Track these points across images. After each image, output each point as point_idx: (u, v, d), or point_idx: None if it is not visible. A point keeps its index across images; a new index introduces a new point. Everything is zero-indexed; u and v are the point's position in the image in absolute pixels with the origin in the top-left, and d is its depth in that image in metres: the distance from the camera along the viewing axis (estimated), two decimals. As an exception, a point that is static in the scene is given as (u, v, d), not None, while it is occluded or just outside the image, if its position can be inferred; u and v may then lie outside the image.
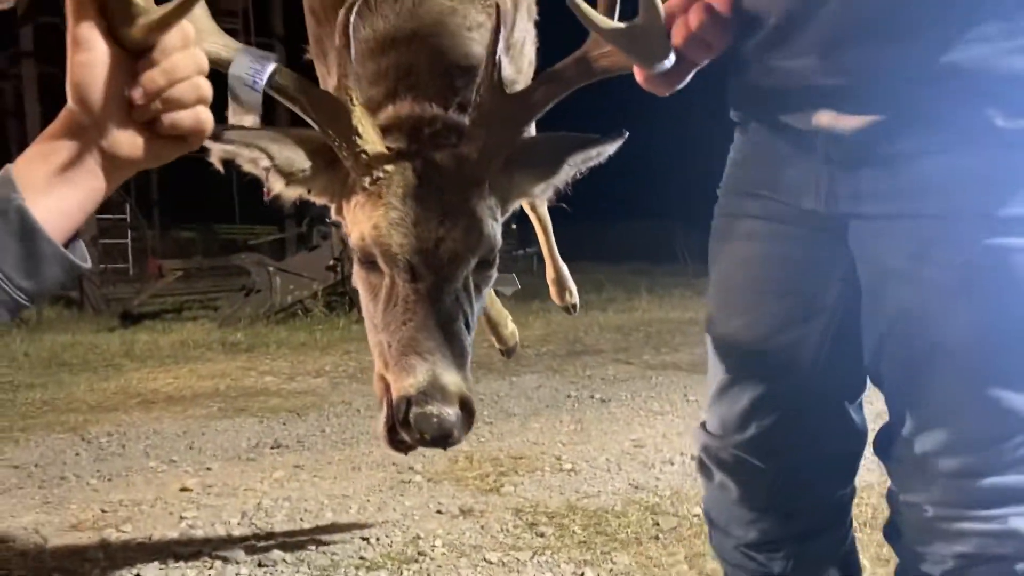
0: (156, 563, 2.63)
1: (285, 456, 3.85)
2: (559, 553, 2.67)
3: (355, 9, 1.22)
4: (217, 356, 6.66)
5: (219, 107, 1.11)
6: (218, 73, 1.13)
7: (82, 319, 9.06)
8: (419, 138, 1.34)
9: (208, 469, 3.64)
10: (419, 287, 1.27)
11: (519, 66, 1.66)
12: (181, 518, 3.02)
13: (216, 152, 1.24)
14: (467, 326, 1.31)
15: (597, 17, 1.16)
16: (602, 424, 4.36)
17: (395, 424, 1.24)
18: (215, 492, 3.31)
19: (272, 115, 1.30)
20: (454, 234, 1.28)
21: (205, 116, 0.92)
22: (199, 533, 2.90)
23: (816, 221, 1.24)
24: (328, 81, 1.61)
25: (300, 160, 1.32)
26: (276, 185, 1.33)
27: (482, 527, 2.91)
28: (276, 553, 2.68)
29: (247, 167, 1.29)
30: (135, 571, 2.57)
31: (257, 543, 2.80)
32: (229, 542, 2.84)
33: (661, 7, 1.17)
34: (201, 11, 1.18)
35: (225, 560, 2.64)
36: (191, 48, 0.91)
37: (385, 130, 1.34)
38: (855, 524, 1.46)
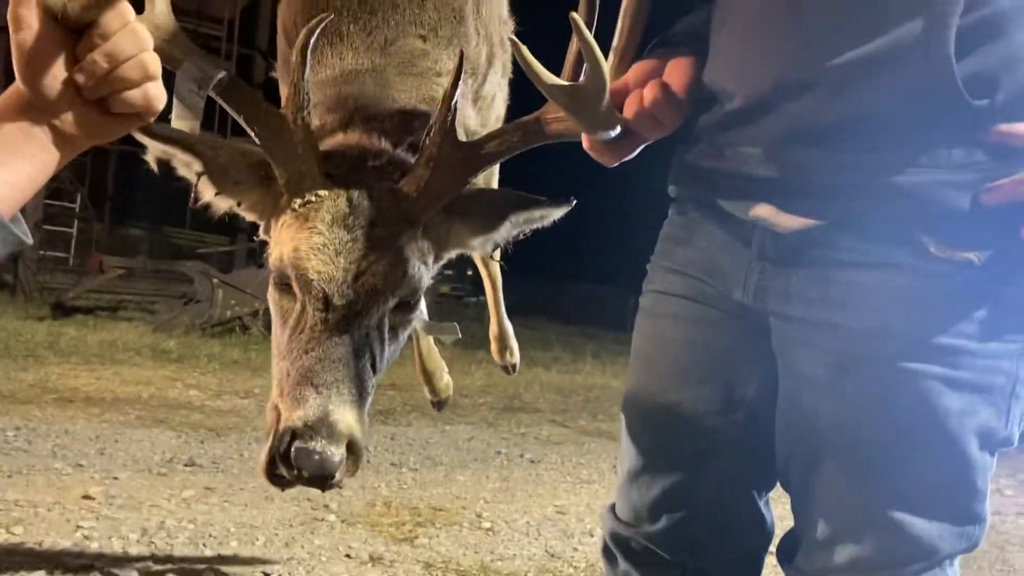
0: (42, 572, 2.49)
1: (198, 475, 3.70)
2: (465, 615, 2.59)
3: (317, 32, 1.19)
4: (145, 362, 6.46)
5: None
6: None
7: (12, 304, 8.75)
8: (361, 169, 1.31)
9: (115, 479, 3.48)
10: (329, 317, 1.22)
11: (486, 119, 1.64)
12: (78, 527, 2.87)
13: (153, 150, 1.21)
14: (373, 367, 1.25)
15: (542, 71, 1.15)
16: (528, 485, 4.29)
17: (275, 456, 1.17)
18: (118, 504, 3.16)
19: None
20: (375, 268, 1.24)
21: (155, 92, 0.90)
22: (94, 545, 2.75)
23: (743, 313, 1.22)
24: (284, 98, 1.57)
25: (235, 171, 1.29)
26: (206, 193, 1.29)
27: (390, 577, 2.81)
28: (170, 578, 2.55)
29: (181, 170, 1.26)
30: (17, 578, 2.42)
31: (152, 565, 2.67)
32: (124, 560, 2.70)
33: (607, 70, 1.15)
34: (163, 7, 1.15)
35: (115, 579, 2.50)
36: (131, 25, 0.88)
37: (328, 156, 1.31)
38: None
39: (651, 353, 1.34)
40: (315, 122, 1.37)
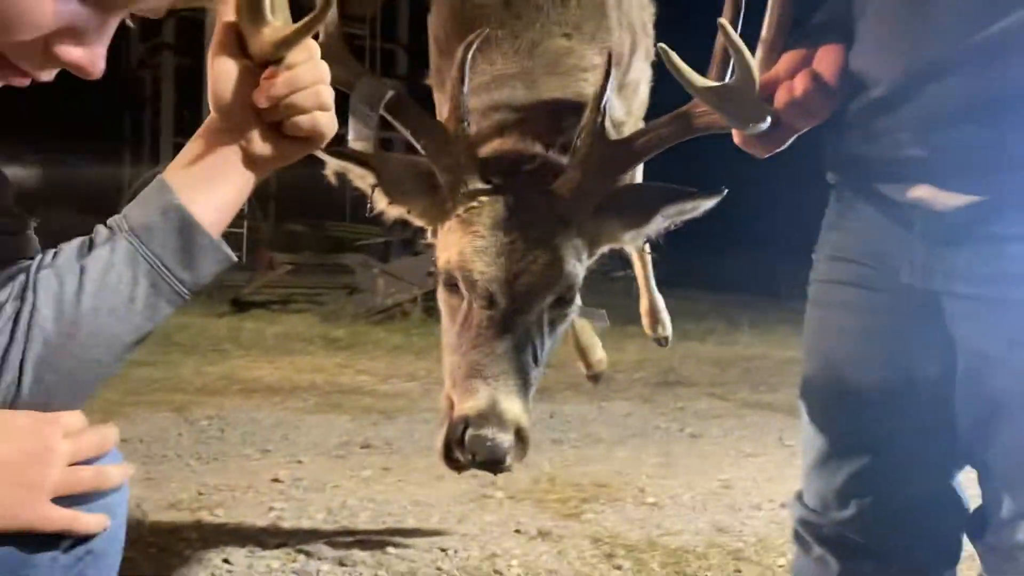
0: (244, 550, 2.72)
1: (373, 457, 3.93)
2: (635, 589, 2.64)
3: (475, 46, 1.27)
4: (317, 351, 6.86)
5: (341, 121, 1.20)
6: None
7: (195, 302, 9.38)
8: (516, 173, 1.39)
9: (299, 462, 3.75)
10: (493, 314, 1.31)
11: (630, 107, 1.68)
12: (270, 508, 3.12)
13: (331, 166, 1.35)
14: (535, 359, 1.34)
15: (691, 75, 1.19)
16: (690, 460, 4.27)
17: (451, 442, 1.28)
18: (304, 486, 3.41)
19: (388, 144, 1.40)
20: (534, 268, 1.31)
21: (323, 120, 1.00)
22: (286, 524, 2.99)
23: (913, 295, 1.21)
24: (443, 109, 1.66)
25: (404, 182, 1.41)
26: (380, 202, 1.42)
27: (559, 552, 2.89)
28: (357, 553, 2.74)
29: (357, 182, 1.39)
30: (224, 555, 2.66)
31: (340, 540, 2.87)
32: (314, 536, 2.92)
33: (756, 70, 1.17)
34: (334, 29, 1.26)
35: (308, 555, 2.71)
36: (315, 60, 0.99)
37: (486, 163, 1.39)
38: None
39: (825, 343, 1.35)
40: (472, 128, 1.45)
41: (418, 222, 1.48)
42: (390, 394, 5.43)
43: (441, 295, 1.43)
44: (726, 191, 1.34)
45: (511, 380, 1.28)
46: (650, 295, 2.69)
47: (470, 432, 1.25)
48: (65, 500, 0.89)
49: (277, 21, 0.99)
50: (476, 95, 1.51)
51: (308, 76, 0.97)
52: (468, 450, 1.26)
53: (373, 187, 1.37)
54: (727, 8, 1.27)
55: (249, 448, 3.94)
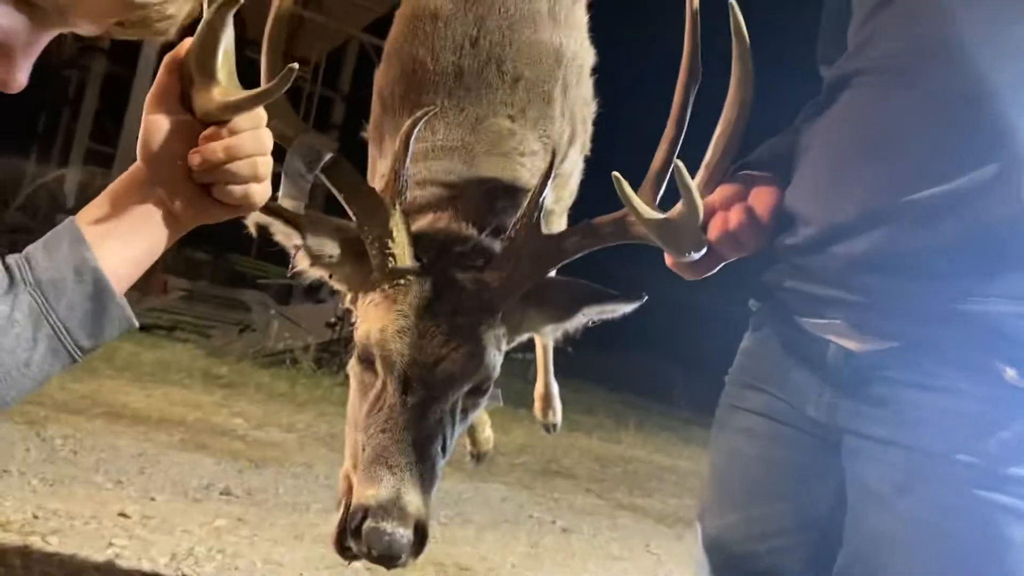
0: (70, 586, 2.52)
1: (231, 505, 3.73)
2: None
3: (420, 125, 1.26)
4: (195, 384, 6.56)
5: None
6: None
7: (76, 313, 9.00)
8: (447, 254, 1.36)
9: (152, 499, 3.53)
10: (407, 400, 1.26)
11: (559, 195, 1.69)
12: (111, 544, 2.91)
13: (254, 218, 1.27)
14: (443, 449, 1.29)
15: (641, 206, 1.20)
16: (558, 555, 4.22)
17: (346, 530, 1.21)
18: (152, 526, 3.20)
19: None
20: (455, 356, 1.28)
21: (257, 191, 0.96)
22: (123, 564, 2.78)
23: (815, 429, 1.23)
24: (377, 164, 1.63)
25: (330, 247, 1.36)
26: (302, 263, 1.36)
27: (409, 634, 2.77)
28: (194, 607, 2.56)
29: (279, 238, 1.33)
30: (46, 589, 2.45)
31: (178, 591, 2.69)
32: (150, 582, 2.73)
33: (701, 209, 1.21)
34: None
35: (139, 601, 2.52)
36: (260, 130, 0.95)
37: (417, 238, 1.36)
38: None
39: (725, 468, 1.37)
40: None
41: (338, 287, 1.43)
42: (263, 442, 5.21)
43: (354, 368, 1.38)
44: (646, 298, 1.35)
45: (416, 471, 1.22)
46: (546, 380, 2.68)
47: (368, 524, 1.18)
48: None
49: (223, 78, 0.96)
50: (414, 163, 1.49)
51: (249, 145, 0.93)
52: (364, 542, 1.18)
53: (297, 248, 1.32)
54: (669, 127, 1.30)
55: (101, 476, 3.69)
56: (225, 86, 0.94)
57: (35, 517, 2.98)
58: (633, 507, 5.95)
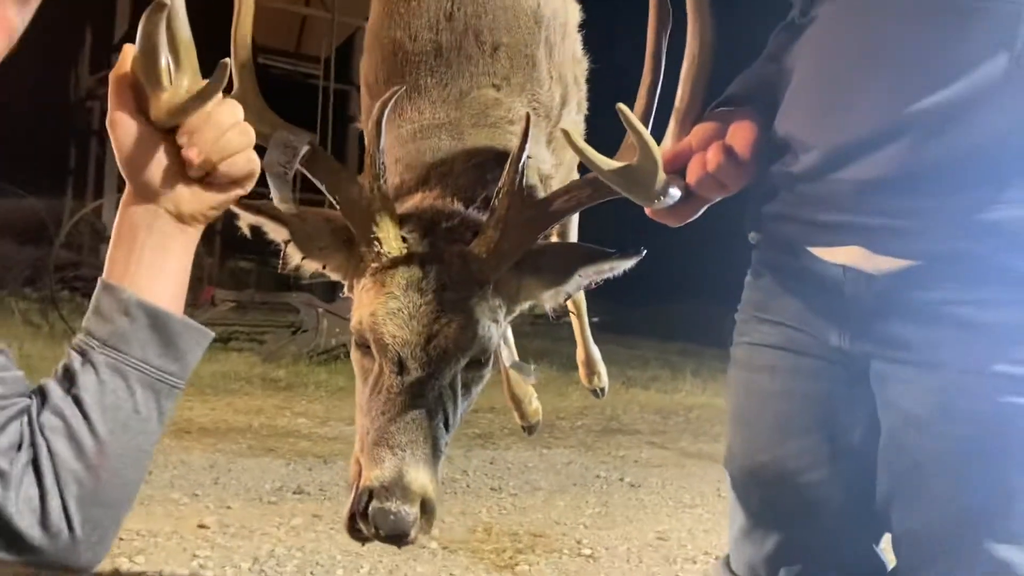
0: (162, 600, 2.63)
1: (306, 503, 3.83)
2: (566, 644, 2.59)
3: (389, 106, 1.27)
4: (255, 391, 6.71)
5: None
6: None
7: (133, 338, 9.22)
8: (434, 231, 1.36)
9: (228, 508, 3.64)
10: (404, 380, 1.28)
11: (561, 158, 1.68)
12: (194, 556, 3.02)
13: (245, 219, 1.31)
14: (446, 424, 1.31)
15: (595, 156, 1.19)
16: (628, 510, 4.25)
17: (355, 513, 1.24)
18: (231, 532, 3.30)
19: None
20: (447, 331, 1.29)
21: (256, 158, 1.01)
22: (209, 573, 2.89)
23: (840, 358, 1.21)
24: None
25: (319, 238, 1.38)
26: (294, 257, 1.39)
27: (491, 606, 2.84)
28: (281, 606, 2.65)
29: (273, 236, 1.36)
30: (140, 606, 2.56)
31: (264, 592, 2.78)
32: (237, 587, 2.83)
33: (657, 152, 1.18)
34: (248, 84, 1.25)
35: (229, 606, 2.62)
36: (223, 106, 0.99)
37: (404, 219, 1.37)
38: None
39: (750, 408, 1.34)
40: (395, 180, 1.44)
41: (334, 277, 1.45)
42: (328, 437, 5.32)
43: (354, 355, 1.40)
44: (644, 252, 1.34)
45: (419, 449, 1.24)
46: (586, 346, 2.68)
47: (374, 504, 1.21)
48: None
49: (184, 77, 0.98)
50: (403, 145, 1.50)
51: (228, 118, 0.97)
52: (371, 523, 1.22)
53: (287, 242, 1.35)
54: (646, 70, 1.29)
55: (177, 492, 3.81)
56: (174, 91, 0.95)
57: (120, 539, 3.10)
58: (699, 454, 5.96)
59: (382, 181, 1.30)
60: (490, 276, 1.33)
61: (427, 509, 1.24)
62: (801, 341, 1.25)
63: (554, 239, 1.47)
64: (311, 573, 2.98)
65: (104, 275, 0.94)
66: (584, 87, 1.79)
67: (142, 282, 0.92)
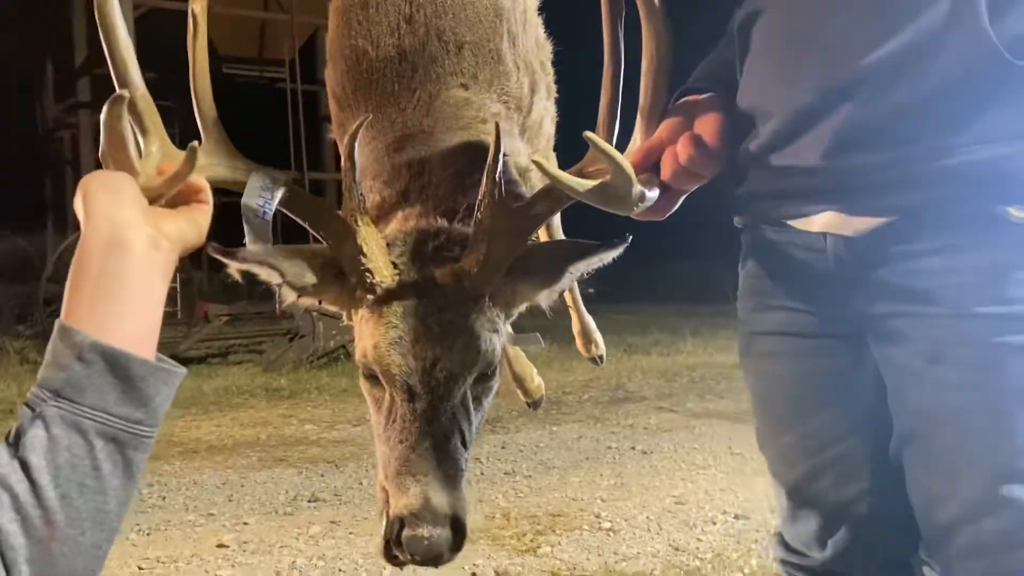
0: (188, 626, 2.62)
1: (322, 510, 3.83)
2: (595, 622, 2.60)
3: (360, 135, 1.27)
4: (259, 403, 6.70)
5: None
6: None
7: (131, 363, 9.18)
8: (423, 253, 1.36)
9: (245, 524, 3.64)
10: (416, 407, 1.28)
11: (536, 146, 1.66)
12: (216, 576, 3.02)
13: (234, 267, 1.30)
14: (463, 442, 1.32)
15: (570, 180, 1.19)
16: (643, 479, 4.27)
17: (389, 541, 1.26)
18: (251, 549, 3.30)
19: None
20: (451, 353, 1.29)
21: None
22: (233, 593, 2.89)
23: (839, 329, 1.21)
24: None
25: (310, 275, 1.36)
26: (288, 297, 1.38)
27: (517, 591, 2.85)
28: (308, 617, 2.65)
29: (264, 278, 1.34)
30: (167, 635, 2.56)
31: (290, 605, 2.78)
32: (262, 603, 2.83)
33: (631, 171, 1.18)
34: (216, 134, 1.25)
35: (257, 624, 2.62)
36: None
37: (391, 243, 1.37)
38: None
39: (765, 394, 1.37)
40: (376, 198, 1.43)
41: (331, 309, 1.45)
42: (337, 441, 5.32)
43: (363, 385, 1.41)
44: (630, 239, 1.34)
45: (440, 472, 1.26)
46: (580, 315, 2.68)
47: (406, 532, 1.23)
48: None
49: (152, 144, 1.03)
50: (379, 161, 1.48)
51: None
52: (407, 550, 1.24)
53: (279, 285, 1.34)
54: (607, 65, 1.28)
55: (192, 514, 3.81)
56: (145, 173, 0.99)
57: (140, 569, 3.10)
58: (707, 413, 5.98)
59: (364, 211, 1.30)
60: (484, 289, 1.33)
61: (457, 528, 1.26)
62: (799, 321, 1.26)
63: (542, 236, 1.46)
64: (335, 580, 2.99)
65: (63, 316, 0.86)
66: (551, 71, 1.77)
67: (99, 322, 0.84)
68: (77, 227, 0.90)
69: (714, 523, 3.52)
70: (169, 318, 12.44)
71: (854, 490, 1.26)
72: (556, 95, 1.77)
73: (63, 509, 0.79)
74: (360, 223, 1.30)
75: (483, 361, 1.33)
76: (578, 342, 2.77)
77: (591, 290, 2.77)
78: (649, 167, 1.25)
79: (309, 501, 3.98)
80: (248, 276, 1.31)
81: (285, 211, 1.27)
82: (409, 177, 1.45)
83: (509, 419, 5.74)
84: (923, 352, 1.11)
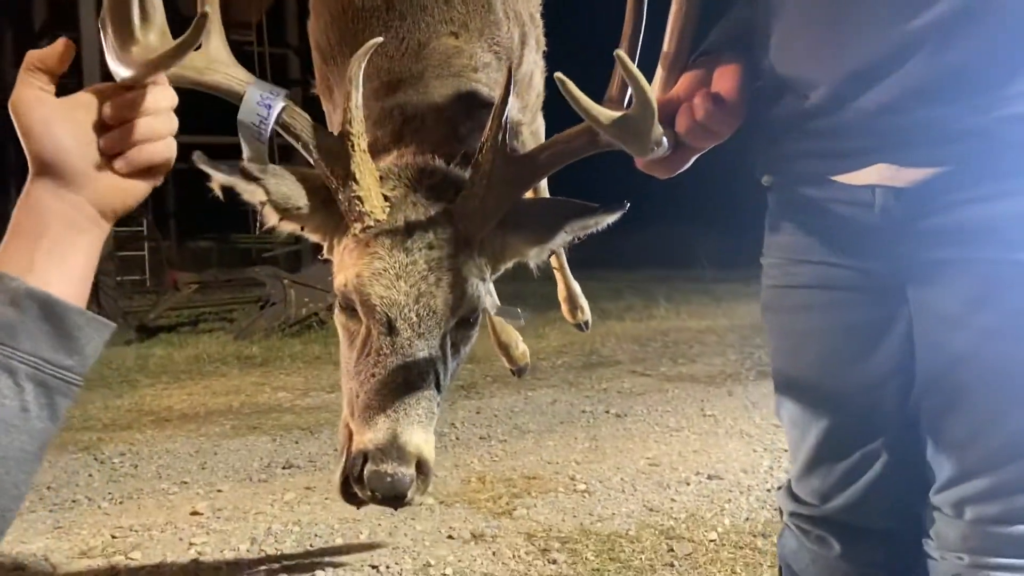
0: (164, 593, 2.61)
1: (296, 477, 3.82)
2: (572, 582, 2.62)
3: (365, 60, 1.21)
4: (231, 371, 6.65)
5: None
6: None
7: (99, 332, 9.06)
8: (417, 190, 1.32)
9: (219, 491, 3.61)
10: (394, 341, 1.24)
11: (527, 101, 1.63)
12: (191, 544, 2.99)
13: (217, 180, 1.25)
14: (438, 385, 1.28)
15: (591, 106, 1.15)
16: (617, 441, 4.30)
17: (349, 477, 1.22)
18: (225, 516, 3.29)
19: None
20: (436, 291, 1.25)
21: (174, 146, 0.94)
22: (208, 559, 2.87)
23: (875, 279, 1.22)
24: (333, 117, 1.58)
25: (296, 197, 1.31)
26: (271, 219, 1.33)
27: (493, 553, 2.86)
28: (285, 582, 2.65)
29: (246, 197, 1.29)
30: (142, 602, 2.54)
31: (266, 569, 2.78)
32: (239, 569, 2.82)
33: (655, 102, 1.15)
34: (218, 40, 1.18)
35: (233, 590, 2.61)
36: (156, 89, 0.92)
37: (384, 176, 1.32)
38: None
39: (792, 348, 1.36)
40: (368, 138, 1.39)
41: (313, 238, 1.40)
42: (311, 408, 5.30)
43: (338, 317, 1.36)
44: (628, 205, 1.32)
45: (412, 410, 1.22)
46: (567, 282, 2.68)
47: (369, 467, 1.19)
48: None
49: (151, 33, 0.93)
50: (367, 104, 1.43)
51: (151, 106, 0.91)
52: (367, 486, 1.19)
53: (263, 204, 1.29)
54: (628, 20, 1.24)
55: (165, 482, 3.78)
56: (145, 45, 0.90)
57: (113, 537, 3.07)
58: (680, 376, 6.03)
59: (361, 138, 1.24)
60: (476, 234, 1.30)
61: (423, 470, 1.22)
62: (833, 275, 1.26)
63: (528, 194, 1.44)
64: (311, 545, 2.98)
65: None
66: (540, 23, 1.73)
67: (41, 273, 0.84)
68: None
69: (687, 484, 3.55)
70: (138, 287, 12.34)
71: (877, 442, 1.26)
72: (545, 49, 1.74)
73: None
74: (356, 148, 1.25)
75: (467, 305, 1.29)
76: (563, 308, 2.76)
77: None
78: (664, 121, 1.22)
79: (283, 468, 3.96)
80: (229, 192, 1.26)
81: (279, 130, 1.22)
82: (402, 120, 1.42)
83: (483, 384, 5.75)
84: (965, 297, 1.11)
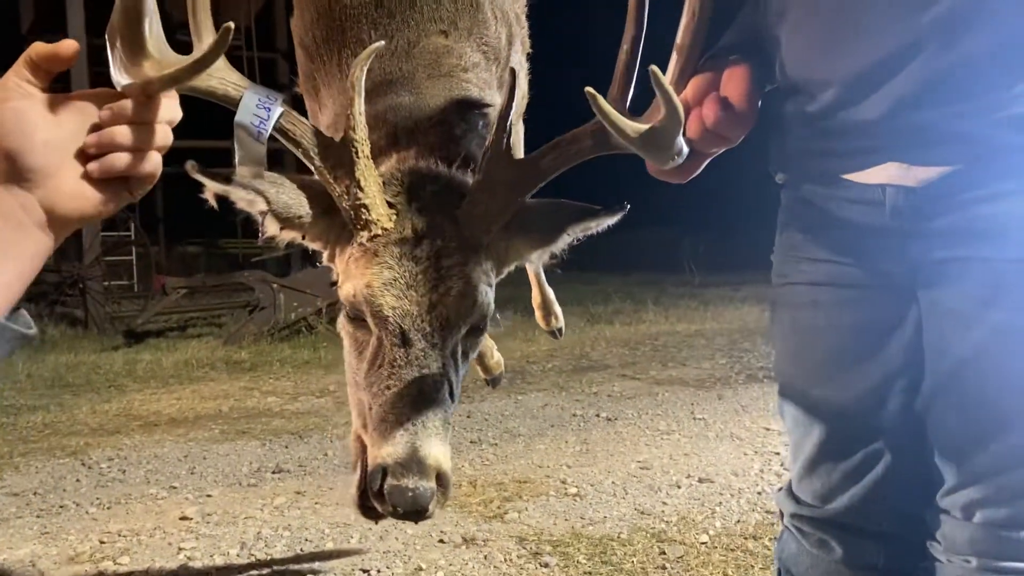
0: (153, 598, 2.59)
1: (286, 481, 3.80)
2: (563, 585, 2.61)
3: (367, 64, 1.19)
4: (220, 376, 6.62)
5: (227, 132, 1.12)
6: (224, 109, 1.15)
7: (86, 338, 9.00)
8: (420, 196, 1.30)
9: (208, 496, 3.59)
10: (407, 352, 1.22)
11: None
12: (180, 549, 2.97)
13: (211, 188, 1.21)
14: (451, 394, 1.26)
15: (620, 120, 1.14)
16: (608, 445, 4.29)
17: (367, 491, 1.20)
18: (215, 521, 3.26)
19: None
20: (447, 300, 1.24)
21: (160, 162, 0.88)
22: (197, 564, 2.85)
23: (884, 278, 1.22)
24: (319, 118, 1.56)
25: (298, 206, 1.28)
26: (271, 228, 1.30)
27: (485, 557, 2.85)
28: (275, 587, 2.63)
29: (242, 206, 1.26)
30: (131, 607, 2.52)
31: (256, 574, 2.76)
32: (228, 574, 2.80)
33: (683, 117, 1.14)
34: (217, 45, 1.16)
35: (223, 595, 2.59)
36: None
37: (387, 181, 1.30)
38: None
39: (799, 345, 1.35)
40: None
41: (314, 246, 1.37)
42: (301, 412, 5.28)
43: (345, 327, 1.34)
44: (628, 207, 1.31)
45: (429, 423, 1.19)
46: (541, 288, 2.67)
47: (390, 482, 1.16)
48: None
49: (154, 50, 0.90)
50: None
51: (169, 113, 0.87)
52: (389, 501, 1.17)
53: (263, 213, 1.25)
54: (628, 24, 1.24)
55: (154, 487, 3.75)
56: (158, 59, 0.88)
57: (101, 543, 3.05)
58: (670, 380, 6.03)
59: (365, 144, 1.22)
60: (482, 239, 1.28)
61: (443, 482, 1.20)
62: (844, 273, 1.26)
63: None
64: (301, 550, 2.96)
65: None
66: (525, 24, 1.73)
67: None
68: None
69: (678, 487, 3.55)
70: (126, 291, 12.24)
71: (880, 442, 1.26)
72: (530, 51, 1.74)
73: None
74: (360, 154, 1.23)
75: (478, 312, 1.28)
76: (538, 315, 2.75)
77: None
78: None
79: (273, 472, 3.94)
80: (223, 201, 1.22)
81: (277, 136, 1.19)
82: (395, 123, 1.40)
83: (474, 388, 5.73)
84: (976, 296, 1.11)
